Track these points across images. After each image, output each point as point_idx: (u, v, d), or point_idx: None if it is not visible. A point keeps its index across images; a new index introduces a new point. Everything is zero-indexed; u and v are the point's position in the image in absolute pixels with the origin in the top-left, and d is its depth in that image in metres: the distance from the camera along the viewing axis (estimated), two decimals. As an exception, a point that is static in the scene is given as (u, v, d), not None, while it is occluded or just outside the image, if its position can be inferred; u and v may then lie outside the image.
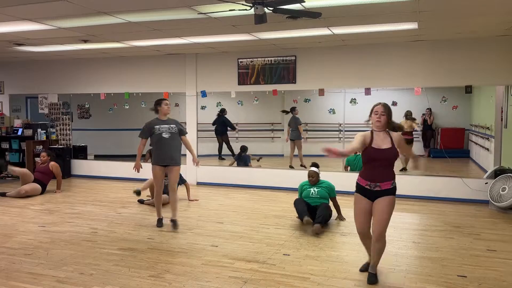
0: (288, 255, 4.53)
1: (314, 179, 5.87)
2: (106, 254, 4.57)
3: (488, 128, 8.92)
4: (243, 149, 9.55)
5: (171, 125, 5.57)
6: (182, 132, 5.73)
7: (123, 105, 10.65)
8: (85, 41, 7.45)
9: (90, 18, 5.74)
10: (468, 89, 7.20)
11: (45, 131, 10.05)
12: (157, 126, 5.51)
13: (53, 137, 10.13)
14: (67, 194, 7.86)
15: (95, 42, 7.51)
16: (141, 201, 7.10)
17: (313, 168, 5.95)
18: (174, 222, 5.58)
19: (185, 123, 9.23)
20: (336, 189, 6.03)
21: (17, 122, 10.10)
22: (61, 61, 9.91)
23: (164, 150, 5.51)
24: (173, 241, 5.02)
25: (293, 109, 10.25)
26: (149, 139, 5.62)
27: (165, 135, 5.48)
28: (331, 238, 5.17)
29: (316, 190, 5.79)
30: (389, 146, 3.73)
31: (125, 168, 9.76)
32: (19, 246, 4.84)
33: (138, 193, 6.99)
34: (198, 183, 8.93)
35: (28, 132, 9.86)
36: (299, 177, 8.28)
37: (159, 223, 5.70)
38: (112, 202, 7.25)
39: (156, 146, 5.55)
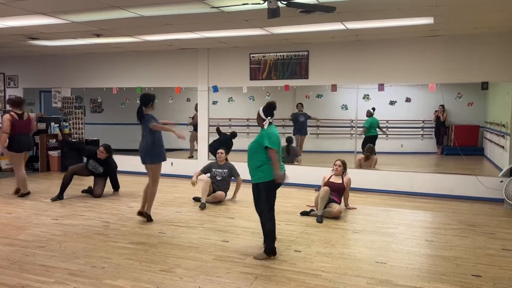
0: (299, 251, 4.50)
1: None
2: (118, 247, 4.59)
3: (503, 125, 8.75)
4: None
5: None
6: None
7: (135, 100, 10.65)
8: (98, 35, 7.47)
9: (103, 12, 5.75)
10: (485, 86, 7.07)
11: (58, 124, 10.14)
12: None
13: (66, 130, 10.20)
14: (79, 187, 7.90)
15: (108, 36, 7.53)
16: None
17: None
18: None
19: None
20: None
21: (31, 116, 10.18)
22: (74, 55, 9.97)
23: None
24: (184, 236, 5.02)
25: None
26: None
27: None
28: (342, 235, 5.13)
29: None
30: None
31: (136, 162, 9.79)
32: (32, 238, 4.89)
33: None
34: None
35: (42, 126, 9.96)
36: (310, 173, 8.26)
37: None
38: (123, 196, 7.28)
39: None
